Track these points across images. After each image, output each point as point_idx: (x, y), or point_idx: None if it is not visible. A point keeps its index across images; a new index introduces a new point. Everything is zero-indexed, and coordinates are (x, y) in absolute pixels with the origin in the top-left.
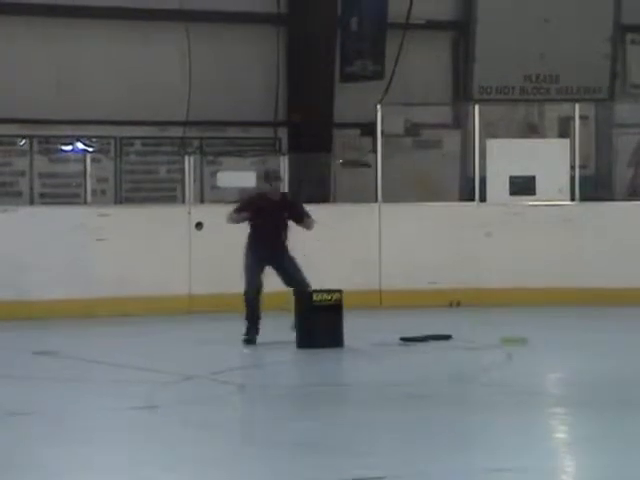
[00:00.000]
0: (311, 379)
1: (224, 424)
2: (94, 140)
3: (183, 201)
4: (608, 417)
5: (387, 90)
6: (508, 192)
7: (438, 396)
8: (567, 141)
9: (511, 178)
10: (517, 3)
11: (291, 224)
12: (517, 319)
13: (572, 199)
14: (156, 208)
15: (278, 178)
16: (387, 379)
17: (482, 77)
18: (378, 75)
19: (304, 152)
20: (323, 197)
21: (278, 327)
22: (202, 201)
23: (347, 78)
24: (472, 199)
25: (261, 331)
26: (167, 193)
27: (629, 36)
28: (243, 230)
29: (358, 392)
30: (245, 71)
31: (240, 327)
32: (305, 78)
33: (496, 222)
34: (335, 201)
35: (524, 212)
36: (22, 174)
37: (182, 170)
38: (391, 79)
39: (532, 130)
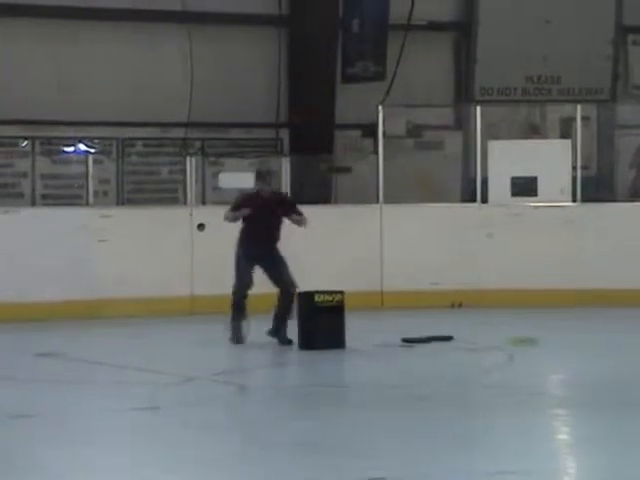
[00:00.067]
0: (312, 380)
1: (225, 425)
2: (96, 141)
3: (185, 202)
4: (609, 418)
5: (388, 91)
6: (510, 193)
7: (439, 397)
8: (569, 142)
9: (513, 179)
10: (518, 4)
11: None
12: (518, 320)
13: (574, 200)
14: (158, 209)
15: (271, 176)
16: (388, 380)
17: (484, 78)
18: (379, 76)
19: (305, 153)
20: (325, 198)
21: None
22: (204, 202)
23: (348, 79)
24: (474, 200)
25: (260, 332)
26: (169, 194)
27: (631, 37)
28: None
29: (359, 393)
30: (247, 72)
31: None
32: (306, 79)
33: (498, 223)
34: (337, 202)
35: (526, 213)
36: (24, 175)
37: (184, 171)
38: (392, 80)
39: (534, 131)
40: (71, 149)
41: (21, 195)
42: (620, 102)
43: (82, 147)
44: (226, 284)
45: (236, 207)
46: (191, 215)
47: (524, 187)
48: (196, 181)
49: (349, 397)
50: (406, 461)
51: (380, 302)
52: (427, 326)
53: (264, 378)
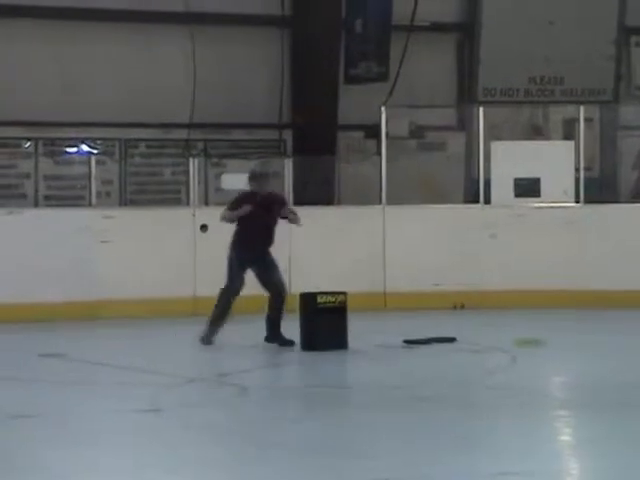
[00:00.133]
0: (314, 381)
1: (227, 426)
2: (99, 142)
3: (188, 203)
4: (611, 419)
5: (391, 92)
6: (513, 194)
7: (442, 399)
8: (572, 143)
9: (516, 180)
10: (521, 5)
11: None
12: (521, 321)
13: (577, 201)
14: (161, 210)
15: (266, 178)
16: (390, 381)
17: (486, 79)
18: (382, 77)
19: (308, 154)
20: (328, 199)
21: (283, 330)
22: (207, 203)
23: (351, 80)
24: (477, 201)
25: (261, 333)
26: (172, 195)
27: (633, 38)
28: None
29: (361, 394)
30: (249, 73)
31: (242, 329)
32: (309, 80)
33: (501, 224)
34: (340, 203)
35: (529, 214)
36: (27, 176)
37: (187, 172)
38: (395, 81)
39: (537, 132)
40: (74, 150)
41: (24, 196)
42: (623, 103)
43: (85, 148)
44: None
45: (234, 207)
46: (194, 216)
47: (527, 188)
48: (199, 182)
49: (351, 398)
50: (408, 462)
51: (383, 303)
52: (430, 327)
53: (266, 379)
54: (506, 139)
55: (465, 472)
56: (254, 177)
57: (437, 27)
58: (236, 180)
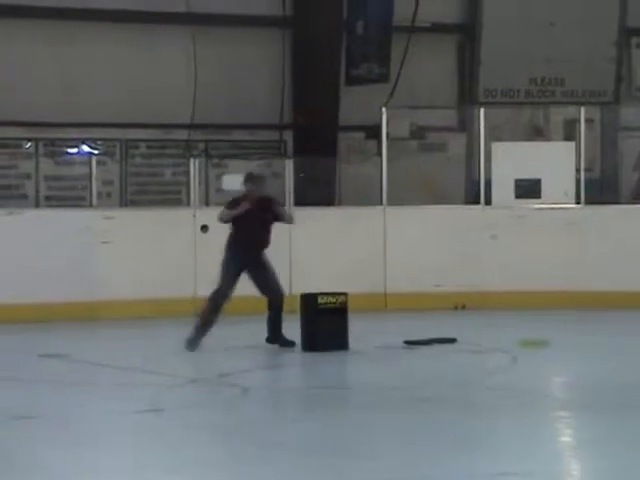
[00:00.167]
0: (314, 381)
1: (228, 426)
2: (99, 143)
3: (188, 204)
4: (611, 420)
5: (392, 93)
6: (513, 195)
7: (442, 399)
8: (572, 144)
9: (516, 181)
10: (523, 6)
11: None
12: (522, 322)
13: (577, 202)
14: (161, 211)
15: (262, 179)
16: (391, 382)
17: (487, 80)
18: (383, 78)
19: (309, 155)
20: (328, 200)
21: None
22: (207, 204)
23: (352, 81)
24: (477, 202)
25: (261, 334)
26: (172, 196)
27: (634, 39)
28: None
29: (361, 395)
30: (250, 74)
31: (243, 329)
32: (310, 81)
33: (501, 225)
34: (340, 204)
35: (529, 215)
36: (28, 177)
37: (187, 173)
38: (396, 82)
39: (537, 133)
40: (74, 151)
41: (25, 197)
42: (624, 104)
43: (85, 149)
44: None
45: (231, 207)
46: (194, 217)
47: (528, 189)
48: (199, 183)
49: (351, 399)
50: (408, 463)
51: (383, 304)
52: (430, 328)
53: (266, 380)
54: (507, 140)
55: (465, 473)
56: (250, 179)
57: (438, 28)
58: (237, 181)
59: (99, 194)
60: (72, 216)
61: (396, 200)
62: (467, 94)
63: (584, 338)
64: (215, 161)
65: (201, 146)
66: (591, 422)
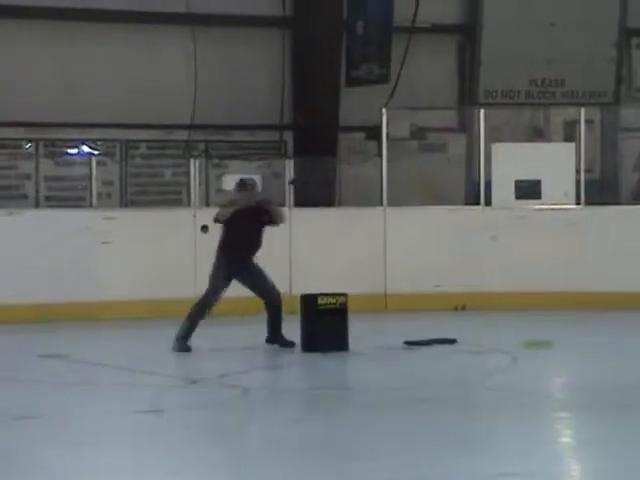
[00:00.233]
0: (315, 382)
1: (229, 427)
2: (99, 143)
3: (188, 204)
4: (611, 420)
5: (392, 94)
6: (513, 196)
7: (442, 400)
8: (572, 145)
9: (516, 182)
10: (523, 7)
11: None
12: (522, 323)
13: (577, 203)
14: (161, 211)
15: (254, 186)
16: (391, 382)
17: (488, 81)
18: (384, 79)
19: (310, 155)
20: (329, 201)
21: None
22: (207, 204)
23: (353, 82)
24: (477, 203)
25: (262, 334)
26: (172, 196)
27: (634, 40)
28: None
29: (362, 395)
30: (250, 74)
31: (243, 330)
32: (310, 81)
33: (501, 226)
34: (340, 204)
35: (529, 216)
36: (28, 177)
37: (187, 173)
38: (397, 83)
39: (537, 134)
40: (75, 151)
41: (25, 197)
42: (624, 105)
43: (86, 149)
44: (229, 286)
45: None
46: (195, 217)
47: (528, 190)
48: (199, 183)
49: (351, 399)
50: (408, 463)
51: (384, 305)
52: (430, 329)
53: (267, 380)
54: (507, 141)
55: (465, 473)
56: (243, 185)
57: (438, 29)
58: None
59: (99, 194)
60: (72, 216)
61: (396, 201)
62: (467, 95)
63: (584, 339)
64: (215, 161)
65: (201, 146)
66: (591, 423)
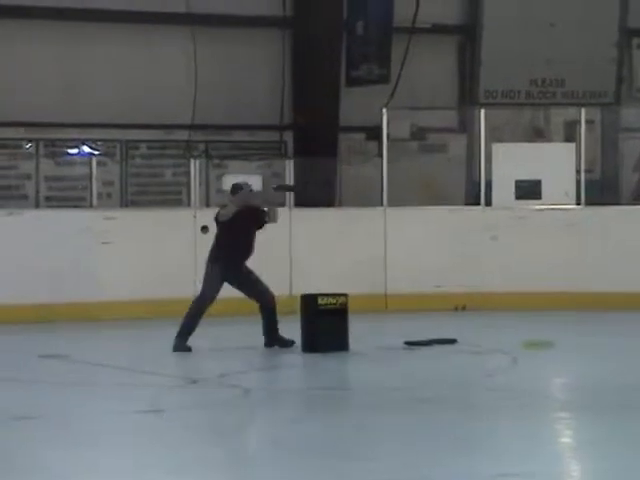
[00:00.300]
0: (315, 382)
1: (229, 427)
2: (100, 143)
3: (189, 204)
4: (611, 421)
5: (393, 94)
6: (514, 196)
7: (442, 400)
8: (573, 145)
9: (517, 182)
10: (523, 7)
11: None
12: (522, 323)
13: (578, 203)
14: (162, 211)
15: (245, 188)
16: (391, 383)
17: (488, 81)
18: (384, 79)
19: (310, 156)
20: (329, 201)
21: (283, 332)
22: (208, 204)
23: (353, 82)
24: (478, 203)
25: (260, 334)
26: (173, 196)
27: (635, 40)
28: None
29: (362, 395)
30: (250, 74)
31: (243, 330)
32: (311, 82)
33: (502, 226)
34: (341, 205)
35: (530, 216)
36: (28, 177)
37: (188, 173)
38: (397, 83)
39: (538, 134)
40: (75, 151)
41: (25, 197)
42: (624, 105)
43: (86, 149)
44: (229, 286)
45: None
46: (195, 217)
47: (528, 190)
48: (200, 183)
49: (351, 400)
50: (408, 464)
51: (384, 305)
52: (430, 329)
53: (266, 380)
54: (507, 141)
55: (465, 474)
56: (234, 191)
57: (438, 29)
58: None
59: (99, 195)
60: (72, 217)
61: (396, 201)
62: (467, 95)
63: (584, 339)
64: (215, 162)
65: (201, 147)
66: (591, 423)
